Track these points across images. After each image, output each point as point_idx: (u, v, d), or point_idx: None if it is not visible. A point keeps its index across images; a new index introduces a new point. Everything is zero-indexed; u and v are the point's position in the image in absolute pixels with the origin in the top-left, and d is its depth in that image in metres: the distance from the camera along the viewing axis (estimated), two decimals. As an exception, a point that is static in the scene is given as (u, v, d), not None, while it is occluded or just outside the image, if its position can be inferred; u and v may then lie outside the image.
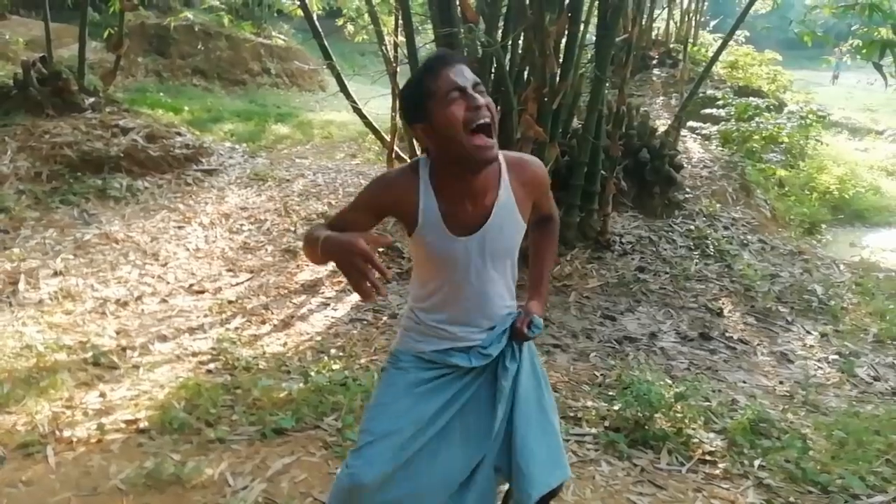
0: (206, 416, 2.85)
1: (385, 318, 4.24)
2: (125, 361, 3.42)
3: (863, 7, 4.76)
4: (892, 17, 4.78)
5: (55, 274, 4.34)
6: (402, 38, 5.69)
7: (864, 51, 4.87)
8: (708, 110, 9.04)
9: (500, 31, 5.30)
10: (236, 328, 3.96)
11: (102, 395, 3.04)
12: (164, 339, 3.74)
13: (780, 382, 3.87)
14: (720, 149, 8.39)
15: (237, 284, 4.60)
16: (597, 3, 5.44)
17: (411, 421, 1.62)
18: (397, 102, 1.65)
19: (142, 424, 2.79)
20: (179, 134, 6.63)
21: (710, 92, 9.51)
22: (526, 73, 5.32)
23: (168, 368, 3.39)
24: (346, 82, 5.99)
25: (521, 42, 5.35)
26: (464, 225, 1.58)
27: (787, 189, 8.68)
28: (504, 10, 5.29)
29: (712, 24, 14.46)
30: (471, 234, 1.58)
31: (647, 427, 2.94)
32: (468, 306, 1.67)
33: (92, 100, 6.53)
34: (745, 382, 3.80)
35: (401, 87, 1.60)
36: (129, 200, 5.64)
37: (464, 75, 1.47)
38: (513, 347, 1.71)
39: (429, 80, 1.46)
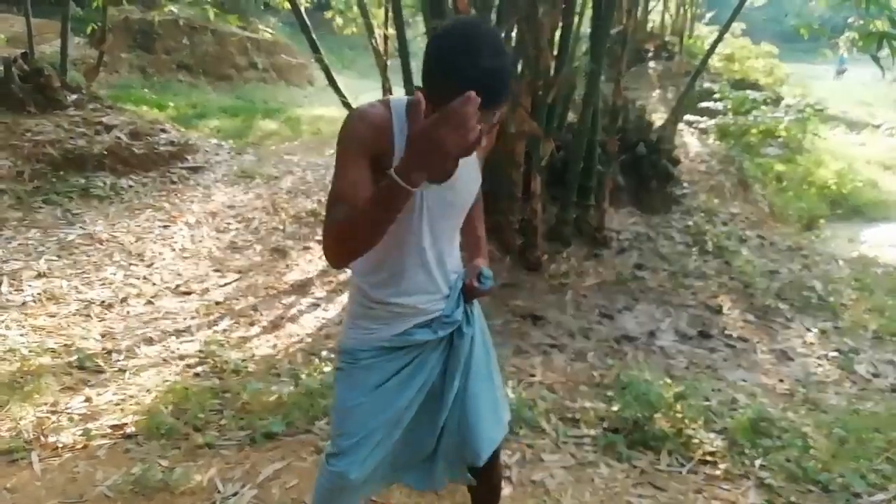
0: (194, 421, 2.79)
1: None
2: (111, 365, 3.33)
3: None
4: (888, 8, 4.74)
5: (38, 276, 4.24)
6: (392, 31, 5.61)
7: (861, 43, 4.83)
8: (705, 104, 9.04)
9: (493, 23, 5.21)
10: (224, 330, 3.87)
11: (88, 399, 2.97)
12: (150, 341, 3.65)
13: (780, 380, 3.84)
14: (717, 143, 8.39)
15: (225, 285, 4.51)
16: (591, -6, 5.36)
17: (388, 419, 1.58)
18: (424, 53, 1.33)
19: (128, 430, 2.73)
20: (164, 131, 6.54)
21: (706, 85, 9.52)
22: (520, 66, 5.24)
23: (155, 372, 3.31)
24: (334, 76, 5.89)
25: (514, 35, 5.26)
26: None
27: (785, 184, 8.68)
28: (497, 1, 5.21)
29: (708, 16, 14.46)
30: (432, 184, 1.45)
31: (646, 428, 2.88)
32: (427, 269, 1.55)
33: (75, 97, 6.42)
34: (745, 381, 3.76)
35: (435, 43, 1.31)
36: (113, 199, 5.54)
37: (492, 118, 1.32)
38: (467, 311, 1.65)
39: (465, 95, 1.18)
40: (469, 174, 1.53)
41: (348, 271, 1.61)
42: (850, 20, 5.53)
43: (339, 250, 1.36)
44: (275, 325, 4.01)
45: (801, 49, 13.34)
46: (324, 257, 1.42)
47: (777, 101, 10.11)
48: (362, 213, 1.27)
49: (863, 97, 16.31)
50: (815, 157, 9.91)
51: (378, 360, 1.58)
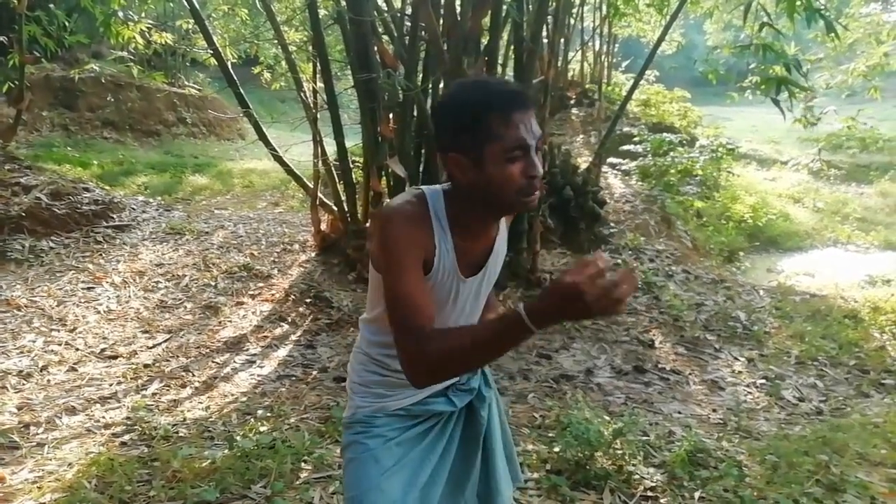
0: (119, 495, 2.61)
1: (315, 373, 4.07)
2: (28, 439, 3.11)
3: (757, 47, 5.05)
4: (784, 56, 5.09)
5: (-54, 347, 3.97)
6: (320, 84, 5.66)
7: (762, 87, 5.16)
8: (625, 147, 9.38)
9: (419, 76, 5.33)
10: (153, 394, 3.70)
11: (1, 479, 2.74)
12: (72, 411, 3.44)
13: (714, 410, 3.92)
14: (640, 183, 8.70)
15: (154, 346, 4.32)
16: (512, 47, 5.57)
17: (414, 497, 1.44)
18: (432, 119, 1.34)
19: (46, 510, 2.51)
20: (87, 189, 6.32)
21: (626, 129, 9.90)
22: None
23: (77, 444, 3.11)
24: (265, 130, 5.87)
25: (441, 86, 5.40)
26: (472, 263, 1.40)
27: (704, 219, 9.05)
28: (422, 55, 5.35)
29: (624, 64, 15.18)
30: (476, 273, 1.42)
31: (588, 467, 2.89)
32: None
33: (-10, 157, 6.15)
34: (680, 413, 3.83)
35: (447, 100, 1.33)
36: (32, 262, 5.28)
37: (532, 130, 1.24)
38: (485, 373, 1.60)
39: (496, 121, 1.22)
40: (502, 252, 1.48)
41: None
42: (751, 66, 5.90)
43: (437, 376, 1.27)
44: (208, 386, 3.86)
45: (711, 93, 14.18)
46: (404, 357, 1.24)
47: (692, 142, 10.64)
48: (474, 345, 1.16)
49: (770, 136, 17.37)
50: (731, 193, 10.42)
51: (394, 428, 1.46)
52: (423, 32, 5.15)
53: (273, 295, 5.23)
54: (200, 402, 3.65)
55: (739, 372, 4.49)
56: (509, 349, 1.18)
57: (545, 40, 6.88)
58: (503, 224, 1.48)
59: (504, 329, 1.13)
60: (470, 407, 1.56)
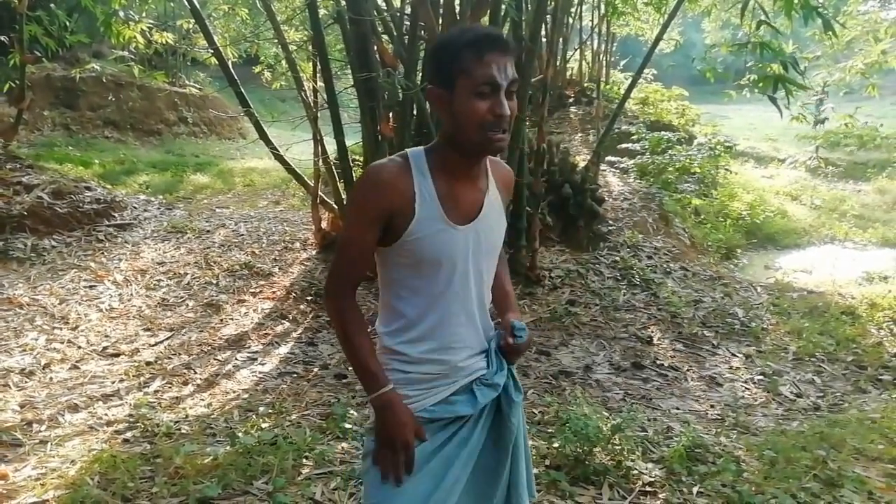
0: (122, 491, 2.63)
1: (316, 370, 4.09)
2: (31, 437, 3.14)
3: (755, 45, 5.06)
4: (781, 54, 5.11)
5: (-51, 345, 3.99)
6: (320, 84, 5.68)
7: (760, 84, 5.18)
8: (624, 145, 9.40)
9: (419, 75, 5.36)
10: (156, 391, 3.72)
11: (3, 477, 2.76)
12: (75, 408, 3.46)
13: (711, 406, 3.95)
14: (638, 181, 8.72)
15: (156, 344, 4.35)
16: (511, 45, 5.59)
17: (436, 500, 1.44)
18: (426, 68, 1.44)
19: (49, 506, 2.53)
20: (89, 188, 6.35)
21: (624, 127, 9.91)
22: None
23: (80, 441, 3.13)
24: (265, 129, 5.89)
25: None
26: (461, 211, 1.42)
27: (702, 217, 9.06)
28: (422, 54, 5.37)
29: (622, 63, 15.19)
30: (468, 223, 1.43)
31: (587, 462, 2.91)
32: (466, 318, 1.47)
33: (-9, 156, 6.18)
34: (678, 409, 3.86)
35: (435, 43, 1.43)
36: (34, 261, 5.30)
37: (505, 72, 1.32)
38: (513, 375, 1.56)
39: (469, 56, 1.30)
40: (497, 216, 1.51)
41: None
42: (749, 64, 5.92)
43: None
44: (210, 383, 3.88)
45: (709, 91, 14.17)
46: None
47: (690, 140, 10.66)
48: (349, 349, 1.46)
49: (768, 133, 17.38)
50: (729, 190, 10.43)
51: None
52: (422, 32, 5.17)
53: (274, 293, 5.25)
54: (202, 399, 3.67)
55: (737, 368, 4.52)
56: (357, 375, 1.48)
57: (544, 39, 6.92)
58: (493, 181, 1.51)
59: (366, 371, 1.43)
60: (499, 412, 1.54)
